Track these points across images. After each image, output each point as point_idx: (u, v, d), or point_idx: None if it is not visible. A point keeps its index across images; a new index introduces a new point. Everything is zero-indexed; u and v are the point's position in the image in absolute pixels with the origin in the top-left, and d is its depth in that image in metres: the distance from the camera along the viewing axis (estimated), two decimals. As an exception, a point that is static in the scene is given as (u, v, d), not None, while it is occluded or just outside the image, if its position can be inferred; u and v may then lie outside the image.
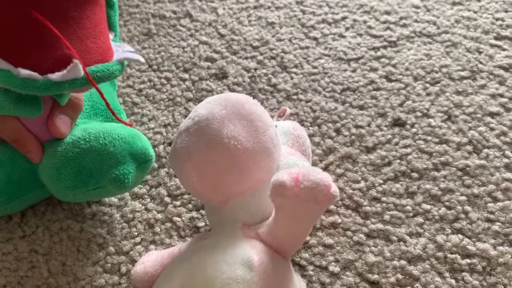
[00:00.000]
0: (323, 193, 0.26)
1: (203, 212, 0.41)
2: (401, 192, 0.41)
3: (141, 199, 0.42)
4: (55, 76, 0.31)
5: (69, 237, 0.40)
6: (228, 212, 0.31)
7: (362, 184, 0.41)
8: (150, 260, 0.35)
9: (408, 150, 0.44)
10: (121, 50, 0.36)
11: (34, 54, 0.31)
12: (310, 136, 0.45)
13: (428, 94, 0.48)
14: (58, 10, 0.32)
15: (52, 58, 0.31)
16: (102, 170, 0.36)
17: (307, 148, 0.38)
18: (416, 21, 0.56)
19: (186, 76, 0.52)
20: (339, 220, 0.39)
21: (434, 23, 0.55)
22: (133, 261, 0.38)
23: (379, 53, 0.52)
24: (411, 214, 0.39)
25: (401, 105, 0.47)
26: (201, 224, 0.40)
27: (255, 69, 0.52)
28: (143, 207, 0.41)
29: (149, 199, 0.42)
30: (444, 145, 0.44)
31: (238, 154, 0.28)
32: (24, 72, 0.30)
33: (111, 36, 0.37)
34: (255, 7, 0.60)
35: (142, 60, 0.37)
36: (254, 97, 0.49)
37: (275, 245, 0.29)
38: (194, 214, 0.41)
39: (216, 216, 0.32)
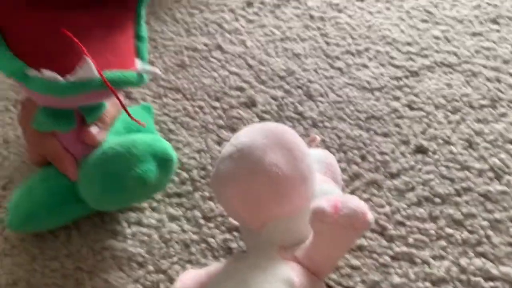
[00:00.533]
0: (361, 220, 0.28)
1: (235, 234, 0.43)
2: (424, 217, 0.43)
3: (177, 221, 0.45)
4: (72, 76, 0.35)
5: (111, 256, 0.42)
6: (266, 235, 0.33)
7: (387, 208, 0.43)
8: (189, 278, 0.37)
9: (431, 176, 0.45)
10: (142, 68, 0.40)
11: (57, 61, 0.35)
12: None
13: (449, 122, 0.50)
14: (85, 31, 0.36)
15: (72, 64, 0.35)
16: (125, 170, 0.39)
17: (338, 176, 0.40)
18: (436, 51, 0.58)
19: (217, 104, 0.56)
20: (366, 243, 0.41)
21: (455, 54, 0.57)
22: (171, 279, 0.40)
23: (401, 83, 0.55)
24: (435, 238, 0.41)
25: (423, 132, 0.49)
26: (234, 245, 0.42)
27: (282, 98, 0.55)
28: (179, 228, 0.44)
29: (185, 221, 0.45)
30: (465, 172, 0.45)
31: (279, 181, 0.31)
32: (46, 73, 0.34)
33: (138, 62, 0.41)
34: (281, 39, 0.63)
35: (159, 72, 0.40)
36: (282, 125, 0.51)
37: (312, 267, 0.31)
38: (227, 235, 0.43)
39: (253, 238, 0.34)
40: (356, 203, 0.28)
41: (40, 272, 0.42)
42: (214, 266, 0.37)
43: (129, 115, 0.39)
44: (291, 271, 0.30)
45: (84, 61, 0.34)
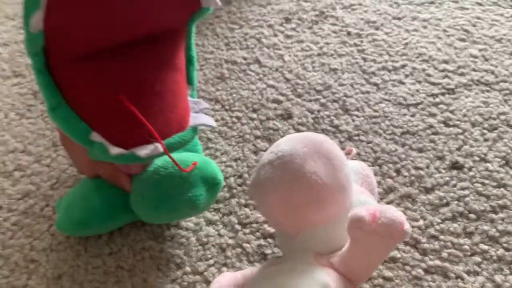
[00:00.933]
0: (398, 230, 0.29)
1: (270, 240, 0.44)
2: (458, 232, 0.43)
3: (214, 225, 0.46)
4: (140, 153, 0.36)
5: (150, 256, 0.44)
6: (302, 240, 0.34)
7: (421, 222, 0.44)
8: (225, 280, 0.38)
9: (466, 192, 0.46)
10: (197, 107, 0.42)
11: (122, 132, 0.37)
12: (371, 175, 0.48)
13: (486, 140, 0.50)
14: (144, 87, 0.38)
15: (137, 137, 0.37)
16: (177, 193, 0.41)
17: (374, 188, 0.41)
18: (474, 70, 0.58)
19: (254, 115, 0.57)
20: (399, 255, 0.42)
21: (492, 72, 0.57)
22: (207, 281, 0.42)
23: (437, 100, 0.55)
24: (469, 253, 0.41)
25: (459, 149, 0.50)
26: (268, 251, 0.43)
27: (318, 111, 0.56)
28: (216, 233, 0.45)
29: (221, 226, 0.46)
30: (502, 189, 0.45)
31: (318, 189, 0.32)
32: (114, 150, 0.36)
33: (188, 91, 0.43)
34: (318, 54, 0.65)
35: (215, 125, 0.42)
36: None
37: (347, 274, 0.32)
38: (261, 241, 0.44)
39: (289, 244, 0.36)
40: (394, 213, 0.29)
41: (84, 268, 0.44)
42: (250, 270, 0.39)
43: (175, 163, 0.40)
44: (327, 276, 0.31)
45: (152, 143, 0.37)
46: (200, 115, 0.41)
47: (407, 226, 0.30)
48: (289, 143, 0.34)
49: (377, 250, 0.31)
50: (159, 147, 0.37)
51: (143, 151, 0.36)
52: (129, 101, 0.36)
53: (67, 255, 0.45)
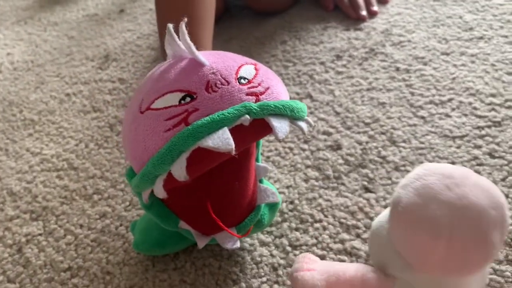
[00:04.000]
0: None
1: (318, 262, 0.48)
2: (501, 259, 0.44)
3: (267, 246, 0.50)
4: (227, 245, 0.45)
5: (210, 272, 0.49)
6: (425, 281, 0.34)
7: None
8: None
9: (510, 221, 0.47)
10: (263, 193, 0.48)
11: (206, 228, 0.45)
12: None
13: (532, 171, 0.51)
14: (227, 188, 0.44)
15: (217, 230, 0.45)
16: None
17: None
18: (521, 103, 0.60)
19: (305, 146, 0.62)
20: None
21: (540, 105, 0.59)
22: (260, 297, 0.46)
23: (483, 132, 0.57)
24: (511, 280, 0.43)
25: (503, 179, 0.51)
26: (316, 271, 0.47)
27: (367, 143, 0.60)
28: (269, 253, 0.50)
29: (273, 247, 0.50)
30: (546, 219, 0.47)
31: (492, 251, 0.30)
32: (201, 243, 0.45)
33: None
34: (368, 89, 0.69)
35: (278, 200, 0.48)
36: (364, 167, 0.56)
37: None
38: (311, 262, 0.48)
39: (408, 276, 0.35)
40: None
41: (152, 281, 0.49)
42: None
43: (233, 234, 0.45)
44: None
45: (235, 241, 0.45)
46: (264, 192, 0.48)
47: None
48: (480, 196, 0.30)
49: None
50: (237, 242, 0.45)
51: (227, 244, 0.45)
52: (214, 202, 0.43)
53: (138, 269, 0.51)
